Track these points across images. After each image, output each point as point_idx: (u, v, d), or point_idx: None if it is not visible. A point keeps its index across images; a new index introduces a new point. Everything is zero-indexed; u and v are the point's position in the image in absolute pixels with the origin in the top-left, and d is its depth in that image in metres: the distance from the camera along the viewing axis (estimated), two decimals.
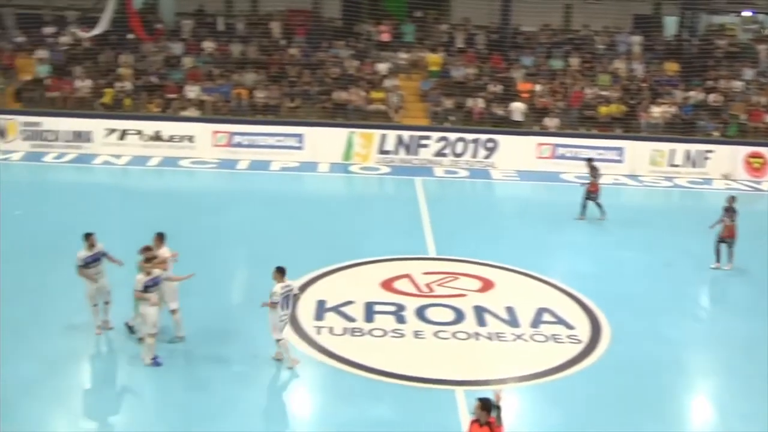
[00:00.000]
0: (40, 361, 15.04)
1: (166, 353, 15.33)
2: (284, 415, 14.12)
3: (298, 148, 31.55)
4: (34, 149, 31.03)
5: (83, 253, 15.64)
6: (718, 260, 21.62)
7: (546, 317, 17.77)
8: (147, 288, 14.68)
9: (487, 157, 31.78)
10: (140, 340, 15.24)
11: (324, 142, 31.57)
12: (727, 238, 21.55)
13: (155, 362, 14.93)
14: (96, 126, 31.30)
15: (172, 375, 14.94)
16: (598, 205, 24.92)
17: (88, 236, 15.79)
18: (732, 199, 21.94)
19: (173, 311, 15.80)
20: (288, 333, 15.48)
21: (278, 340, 15.01)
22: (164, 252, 15.90)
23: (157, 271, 14.91)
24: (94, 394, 14.48)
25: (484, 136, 31.90)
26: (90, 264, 15.67)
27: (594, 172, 24.96)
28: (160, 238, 16.08)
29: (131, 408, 14.13)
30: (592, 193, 24.92)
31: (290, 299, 15.08)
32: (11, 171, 29.02)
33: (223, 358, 15.50)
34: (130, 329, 16.04)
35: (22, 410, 13.47)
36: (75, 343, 15.87)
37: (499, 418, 10.94)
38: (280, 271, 14.91)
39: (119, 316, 16.20)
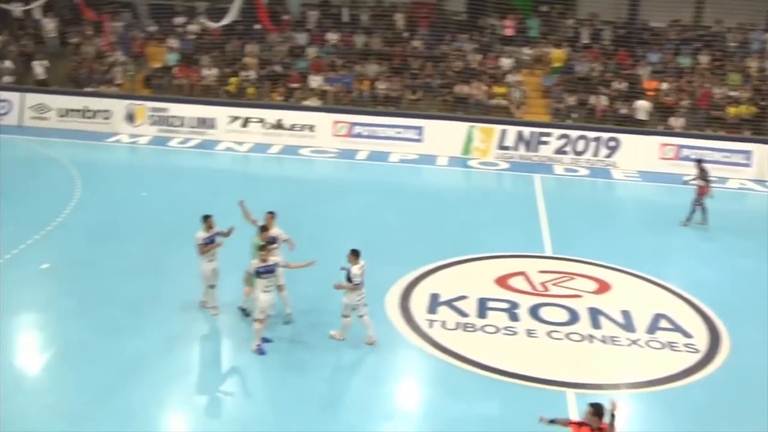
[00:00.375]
0: (156, 338, 15.75)
1: (277, 334, 15.82)
2: (391, 407, 14.33)
3: (418, 140, 31.73)
4: (160, 134, 32.16)
5: (201, 233, 16.33)
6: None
7: (663, 324, 17.51)
8: (259, 274, 15.05)
9: (608, 156, 31.30)
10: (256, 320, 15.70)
11: (443, 136, 31.65)
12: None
13: (260, 350, 15.38)
14: (220, 113, 32.21)
15: (278, 360, 15.37)
16: (702, 210, 24.15)
17: (206, 218, 16.46)
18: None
19: (280, 287, 16.23)
20: (399, 322, 15.71)
21: (345, 317, 15.62)
22: (276, 231, 16.46)
23: (274, 259, 15.30)
24: (203, 374, 15.03)
25: (606, 135, 31.39)
26: (207, 245, 16.30)
27: (703, 174, 24.13)
28: (272, 216, 16.64)
29: (239, 390, 14.62)
30: (700, 196, 24.09)
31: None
32: (138, 154, 30.23)
33: (331, 346, 15.90)
34: (243, 312, 16.56)
35: (133, 384, 14.17)
36: (189, 322, 16.61)
37: (612, 426, 10.86)
38: (355, 254, 15.39)
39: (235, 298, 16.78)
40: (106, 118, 32.76)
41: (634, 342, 16.63)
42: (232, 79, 33.67)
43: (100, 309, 16.92)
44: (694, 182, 24.11)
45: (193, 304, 17.10)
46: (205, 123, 32.27)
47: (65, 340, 15.76)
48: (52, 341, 15.82)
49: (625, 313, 17.81)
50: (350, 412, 13.75)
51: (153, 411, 13.64)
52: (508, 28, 36.11)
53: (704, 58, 35.00)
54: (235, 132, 32.17)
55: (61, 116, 33.11)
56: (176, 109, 32.46)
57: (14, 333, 16.17)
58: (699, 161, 24.82)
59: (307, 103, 33.02)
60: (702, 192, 24.03)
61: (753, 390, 15.16)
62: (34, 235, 20.70)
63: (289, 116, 32.18)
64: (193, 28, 36.19)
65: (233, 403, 14.07)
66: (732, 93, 33.15)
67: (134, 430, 13.01)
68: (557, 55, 34.69)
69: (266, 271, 15.08)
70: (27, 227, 21.05)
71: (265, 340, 15.51)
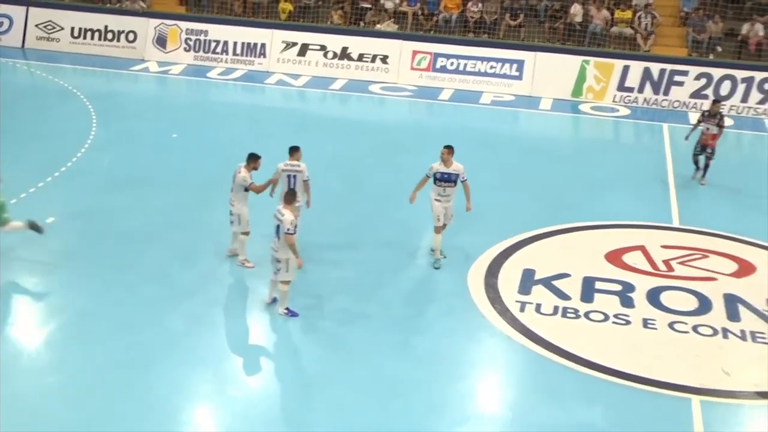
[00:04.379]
0: (183, 312, 16.12)
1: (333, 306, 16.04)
2: (469, 408, 14.27)
3: (517, 77, 31.59)
4: (197, 62, 32.58)
5: (244, 174, 17.27)
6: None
7: None
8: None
9: (761, 102, 30.78)
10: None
11: (549, 72, 31.53)
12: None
13: (291, 313, 16.03)
14: (272, 38, 32.38)
15: (333, 340, 15.52)
16: (706, 165, 23.51)
17: (254, 158, 17.44)
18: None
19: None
20: (483, 303, 15.77)
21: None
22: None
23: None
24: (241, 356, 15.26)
25: (760, 75, 30.93)
26: (247, 189, 17.36)
27: (714, 119, 23.21)
28: (450, 151, 17.75)
29: (279, 373, 14.80)
30: (705, 146, 23.29)
31: None
32: (169, 86, 30.68)
33: (397, 327, 16.02)
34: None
35: (156, 364, 14.40)
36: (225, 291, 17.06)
37: None
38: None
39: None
40: (131, 41, 33.21)
41: None
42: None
43: (115, 274, 17.24)
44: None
45: (228, 271, 17.42)
46: (253, 50, 32.47)
47: (73, 310, 16.09)
48: (56, 312, 16.13)
49: None
50: (418, 411, 13.71)
51: (177, 398, 13.87)
52: None
53: None
54: (290, 62, 32.34)
55: (75, 37, 33.74)
56: (217, 32, 32.76)
57: (11, 302, 16.52)
58: (716, 101, 24.42)
59: (380, 27, 32.98)
60: (708, 141, 23.39)
61: None
62: (39, 181, 21.17)
63: (357, 43, 32.27)
64: None
65: (267, 394, 14.25)
66: None
67: (156, 412, 13.28)
68: None
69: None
70: (31, 172, 21.54)
71: (292, 313, 16.11)
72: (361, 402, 13.91)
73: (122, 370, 14.21)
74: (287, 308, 15.99)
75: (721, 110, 23.47)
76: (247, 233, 17.49)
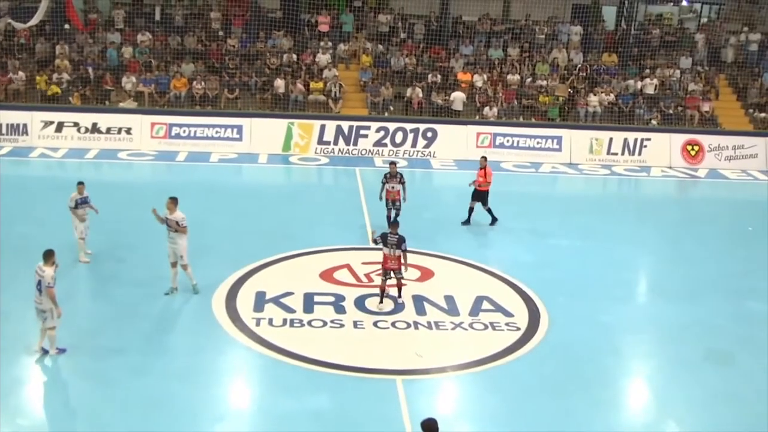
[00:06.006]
0: None
1: (100, 342, 15.22)
2: (222, 408, 13.94)
3: (238, 139, 31.40)
4: None
5: (75, 195, 19.03)
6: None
7: (485, 305, 17.91)
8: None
9: (426, 146, 31.89)
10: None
11: (263, 133, 31.52)
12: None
13: (59, 350, 14.95)
14: (32, 118, 30.73)
15: (98, 366, 14.68)
16: (396, 214, 22.08)
17: (80, 183, 19.27)
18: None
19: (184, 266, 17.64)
20: (225, 322, 15.44)
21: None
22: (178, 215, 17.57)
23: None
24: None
25: (423, 125, 32.08)
26: (79, 205, 19.04)
27: (396, 179, 22.22)
28: (174, 201, 17.68)
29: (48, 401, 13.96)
30: (395, 201, 22.30)
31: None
32: None
33: (158, 350, 15.45)
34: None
35: None
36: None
37: None
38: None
39: None
40: None
41: (458, 325, 16.90)
42: (39, 78, 32.25)
43: None
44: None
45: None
46: (16, 129, 30.70)
47: None
48: None
49: (449, 298, 18.09)
50: (178, 416, 13.27)
51: None
52: (323, 24, 36.14)
53: (514, 51, 36.14)
54: (49, 138, 30.77)
55: None
56: None
57: None
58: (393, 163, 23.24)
59: (122, 105, 32.02)
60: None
61: (572, 360, 15.77)
62: None
63: (104, 119, 31.10)
64: None
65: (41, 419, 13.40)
66: (542, 82, 34.38)
67: None
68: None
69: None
70: None
71: (60, 350, 14.97)
72: (126, 412, 13.33)
73: None
74: (57, 348, 14.90)
75: (398, 170, 22.32)
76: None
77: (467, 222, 23.41)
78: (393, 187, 22.10)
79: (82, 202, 19.21)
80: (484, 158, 23.67)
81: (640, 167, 32.35)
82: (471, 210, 23.39)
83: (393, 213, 22.02)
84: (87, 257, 19.34)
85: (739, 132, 34.12)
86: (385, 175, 22.26)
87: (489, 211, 23.40)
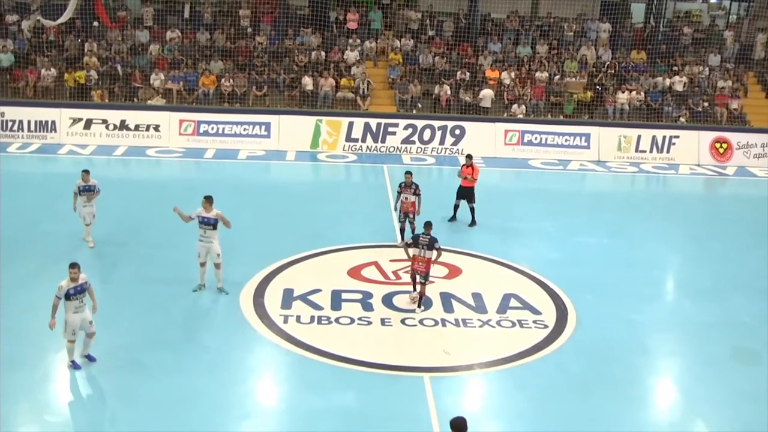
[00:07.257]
0: None
1: (123, 340, 15.32)
2: (249, 405, 13.98)
3: (266, 136, 31.50)
4: None
5: (80, 182, 19.58)
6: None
7: (512, 303, 17.89)
8: (69, 296, 14.16)
9: (454, 143, 31.86)
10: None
11: (291, 131, 31.59)
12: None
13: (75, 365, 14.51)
14: (61, 115, 31.00)
15: (125, 362, 14.83)
16: (412, 228, 20.99)
17: (85, 171, 19.76)
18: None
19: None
20: (253, 319, 15.52)
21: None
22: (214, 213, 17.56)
23: (84, 276, 14.37)
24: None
25: (451, 123, 32.05)
26: (82, 192, 19.61)
27: (410, 189, 20.94)
28: (209, 201, 17.64)
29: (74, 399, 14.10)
30: (407, 213, 21.01)
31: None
32: None
33: (184, 348, 15.57)
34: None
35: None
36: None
37: None
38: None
39: None
40: None
41: (485, 323, 16.88)
42: (68, 76, 32.53)
43: None
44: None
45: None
46: (45, 126, 31.01)
47: None
48: None
49: (476, 296, 18.07)
50: (205, 413, 13.33)
51: None
52: (352, 21, 36.22)
53: (542, 48, 36.04)
54: (78, 135, 31.06)
55: None
56: (12, 113, 30.98)
57: None
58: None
59: (150, 102, 32.24)
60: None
61: (599, 359, 15.72)
62: None
63: (133, 116, 31.32)
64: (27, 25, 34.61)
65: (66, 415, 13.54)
66: (570, 80, 34.27)
67: None
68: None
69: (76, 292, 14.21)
70: None
71: (76, 366, 14.51)
72: (156, 409, 13.42)
73: None
74: (72, 361, 14.40)
75: (413, 180, 20.88)
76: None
77: (453, 219, 23.34)
78: (407, 198, 20.74)
79: (84, 190, 19.70)
80: (470, 156, 23.55)
81: (669, 165, 32.17)
82: (456, 207, 23.33)
83: (407, 226, 20.86)
84: (92, 243, 19.83)
85: None
86: (400, 184, 21.07)
87: (472, 210, 23.17)
